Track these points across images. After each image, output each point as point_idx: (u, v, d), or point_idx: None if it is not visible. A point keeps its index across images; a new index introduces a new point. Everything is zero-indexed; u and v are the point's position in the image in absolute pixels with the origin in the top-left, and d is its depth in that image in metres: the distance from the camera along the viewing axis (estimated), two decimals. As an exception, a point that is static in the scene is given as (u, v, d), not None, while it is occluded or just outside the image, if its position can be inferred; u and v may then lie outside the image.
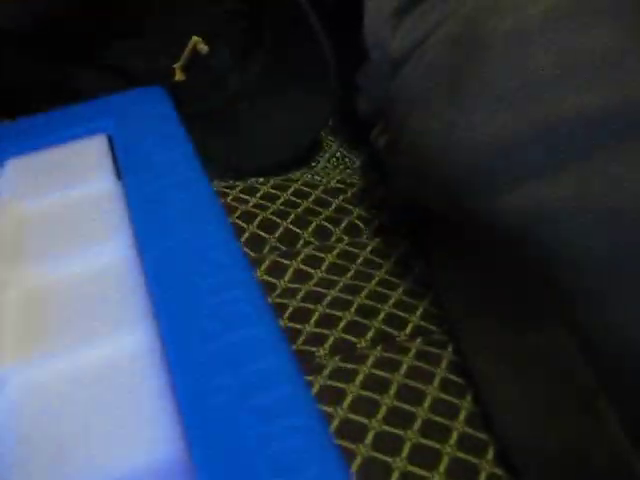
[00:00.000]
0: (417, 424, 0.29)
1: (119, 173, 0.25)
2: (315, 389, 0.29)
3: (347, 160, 0.48)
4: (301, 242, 0.39)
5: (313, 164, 0.47)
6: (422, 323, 0.34)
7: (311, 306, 0.35)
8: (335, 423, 0.28)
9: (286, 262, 0.37)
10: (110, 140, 0.26)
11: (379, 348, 0.32)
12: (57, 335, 0.17)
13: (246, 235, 0.39)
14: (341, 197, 0.43)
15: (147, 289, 0.19)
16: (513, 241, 0.29)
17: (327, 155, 0.47)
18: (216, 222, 0.21)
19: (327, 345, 0.32)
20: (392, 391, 0.29)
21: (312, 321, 0.34)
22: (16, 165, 0.26)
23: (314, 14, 0.45)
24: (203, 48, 0.51)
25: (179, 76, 0.50)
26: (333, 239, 0.40)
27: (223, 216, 0.22)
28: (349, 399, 0.29)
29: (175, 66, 0.50)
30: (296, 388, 0.16)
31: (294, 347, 0.32)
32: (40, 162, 0.26)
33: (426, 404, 0.29)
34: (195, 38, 0.50)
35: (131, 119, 0.27)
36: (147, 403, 0.16)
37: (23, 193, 0.24)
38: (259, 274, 0.36)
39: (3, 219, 0.23)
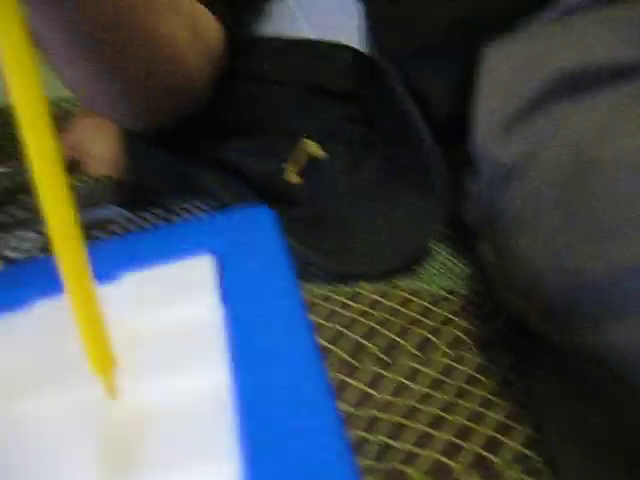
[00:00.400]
0: None
1: (222, 295, 0.26)
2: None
3: (456, 268, 0.48)
4: (404, 354, 0.39)
5: (421, 271, 0.47)
6: (521, 449, 0.33)
7: (408, 423, 0.34)
8: None
9: (386, 374, 0.37)
10: (217, 260, 0.28)
11: (475, 473, 0.31)
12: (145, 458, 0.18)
13: (348, 342, 0.40)
14: (446, 307, 0.43)
15: (235, 421, 0.20)
16: (617, 374, 0.28)
17: (434, 262, 0.48)
18: (307, 357, 0.22)
19: (420, 465, 0.32)
20: (484, 524, 0.28)
21: (408, 438, 0.33)
22: (128, 281, 0.28)
23: (425, 126, 0.46)
24: (318, 152, 0.53)
25: (294, 179, 0.53)
26: (436, 352, 0.39)
27: (314, 349, 0.22)
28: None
29: (290, 169, 0.53)
30: None
31: (387, 465, 0.32)
32: (150, 279, 0.28)
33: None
34: (311, 142, 0.53)
35: (238, 240, 0.28)
36: None
37: (132, 309, 0.26)
38: (357, 384, 0.37)
39: (118, 337, 0.24)
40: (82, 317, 0.17)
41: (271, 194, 0.52)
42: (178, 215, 0.54)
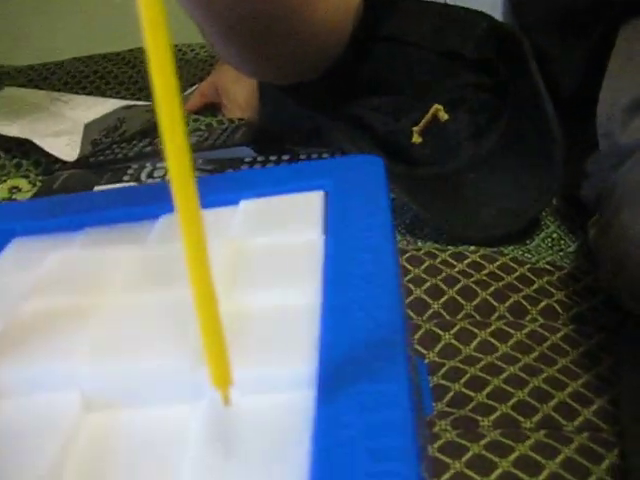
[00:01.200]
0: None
1: (326, 227, 0.29)
2: (467, 456, 0.31)
3: (562, 243, 0.48)
4: (495, 315, 0.41)
5: (528, 241, 0.48)
6: (593, 418, 0.34)
7: (488, 377, 0.36)
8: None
9: (475, 331, 0.39)
10: (326, 197, 0.30)
11: (542, 433, 0.33)
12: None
13: (444, 298, 0.42)
14: (546, 279, 0.44)
15: (319, 334, 0.23)
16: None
17: (543, 234, 0.48)
18: (390, 287, 0.24)
19: (492, 417, 0.34)
20: (542, 477, 0.30)
21: (485, 392, 0.35)
22: (246, 207, 0.31)
23: (550, 100, 0.47)
24: (443, 116, 0.54)
25: (416, 139, 0.54)
26: (527, 318, 0.41)
27: (397, 283, 0.25)
28: (497, 473, 0.30)
29: (414, 129, 0.54)
30: None
31: (461, 412, 0.34)
32: (266, 207, 0.31)
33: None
34: (437, 106, 0.54)
35: (348, 182, 0.31)
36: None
37: (246, 232, 0.29)
38: (447, 337, 0.39)
39: (228, 251, 0.28)
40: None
41: (394, 151, 0.55)
42: (303, 160, 0.57)
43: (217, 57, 0.81)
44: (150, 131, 0.69)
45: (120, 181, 0.56)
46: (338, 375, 0.21)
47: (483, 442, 0.32)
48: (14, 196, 0.63)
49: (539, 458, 0.31)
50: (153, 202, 0.32)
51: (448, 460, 0.31)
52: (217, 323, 0.19)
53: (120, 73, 0.88)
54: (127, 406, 0.21)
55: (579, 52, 0.47)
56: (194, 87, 0.79)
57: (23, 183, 0.66)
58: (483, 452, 0.32)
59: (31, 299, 0.25)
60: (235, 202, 0.30)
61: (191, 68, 0.90)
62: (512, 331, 0.39)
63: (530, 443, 0.32)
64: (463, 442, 0.32)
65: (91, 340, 0.22)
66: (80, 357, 0.21)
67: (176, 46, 1.02)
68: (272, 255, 0.27)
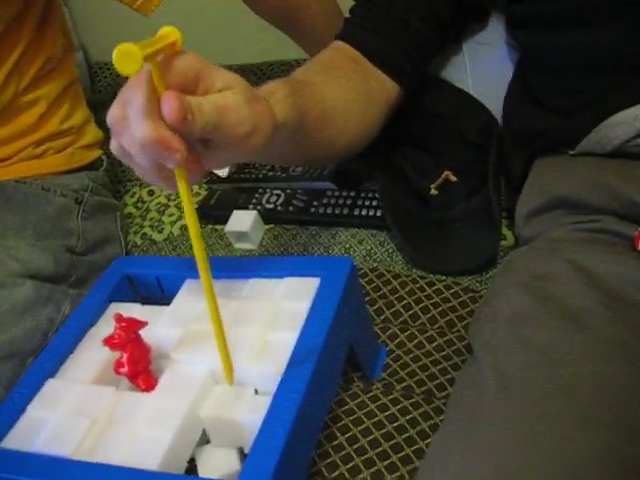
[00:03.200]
0: None
1: (313, 301, 0.61)
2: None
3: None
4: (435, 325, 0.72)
5: (483, 273, 0.77)
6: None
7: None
8: None
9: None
10: (320, 282, 0.61)
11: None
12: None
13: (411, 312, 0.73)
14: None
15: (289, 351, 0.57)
16: None
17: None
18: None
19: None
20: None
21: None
22: (289, 281, 0.63)
23: (496, 190, 0.75)
24: (452, 178, 0.84)
25: (433, 192, 0.84)
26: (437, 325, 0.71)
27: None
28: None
29: (432, 185, 0.84)
30: None
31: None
32: (274, 283, 0.62)
33: None
34: (447, 172, 0.83)
35: (331, 275, 0.61)
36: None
37: (253, 294, 0.62)
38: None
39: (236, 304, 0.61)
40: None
41: (418, 197, 0.85)
42: (363, 196, 0.88)
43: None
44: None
45: (249, 204, 0.90)
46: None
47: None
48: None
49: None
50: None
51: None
52: (224, 342, 0.53)
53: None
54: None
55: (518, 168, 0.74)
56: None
57: (194, 186, 1.01)
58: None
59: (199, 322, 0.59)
60: (282, 276, 0.63)
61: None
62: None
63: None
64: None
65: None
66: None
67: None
68: (270, 311, 0.59)
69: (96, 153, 0.94)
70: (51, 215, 0.82)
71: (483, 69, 0.86)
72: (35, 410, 0.56)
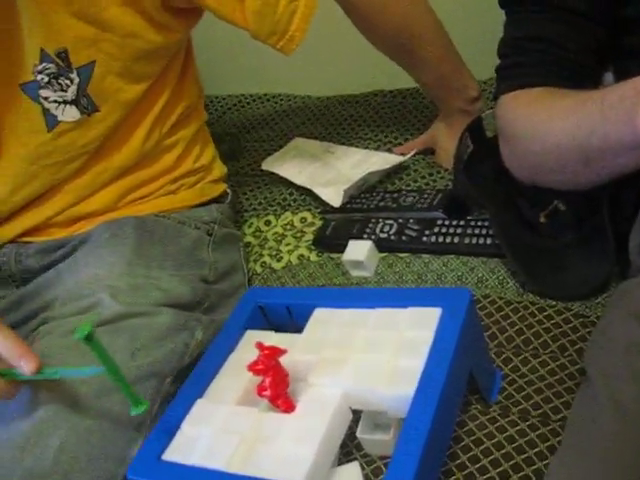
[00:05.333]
0: None
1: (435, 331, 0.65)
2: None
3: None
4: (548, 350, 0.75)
5: (594, 300, 0.80)
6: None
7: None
8: None
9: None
10: (440, 312, 0.66)
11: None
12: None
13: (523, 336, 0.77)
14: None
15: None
16: None
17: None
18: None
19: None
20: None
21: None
22: (410, 312, 0.68)
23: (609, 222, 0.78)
24: (561, 207, 0.87)
25: (543, 219, 0.87)
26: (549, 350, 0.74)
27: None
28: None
29: (542, 213, 0.87)
30: None
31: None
32: (396, 313, 0.68)
33: None
34: (556, 201, 0.87)
35: (451, 305, 0.66)
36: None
37: (408, 327, 0.67)
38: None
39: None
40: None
41: (529, 225, 0.88)
42: (472, 224, 0.92)
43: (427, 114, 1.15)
44: (382, 183, 1.07)
45: (364, 233, 0.96)
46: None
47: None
48: (304, 226, 1.06)
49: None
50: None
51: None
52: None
53: (368, 117, 1.26)
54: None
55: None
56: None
57: (309, 215, 1.08)
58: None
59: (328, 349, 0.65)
60: (405, 306, 0.68)
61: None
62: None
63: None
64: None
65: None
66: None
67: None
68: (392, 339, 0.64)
69: (222, 187, 1.03)
70: (187, 247, 0.90)
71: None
72: (189, 427, 0.63)
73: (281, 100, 1.42)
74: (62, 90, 0.81)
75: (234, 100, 1.46)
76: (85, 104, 0.83)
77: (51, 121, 0.83)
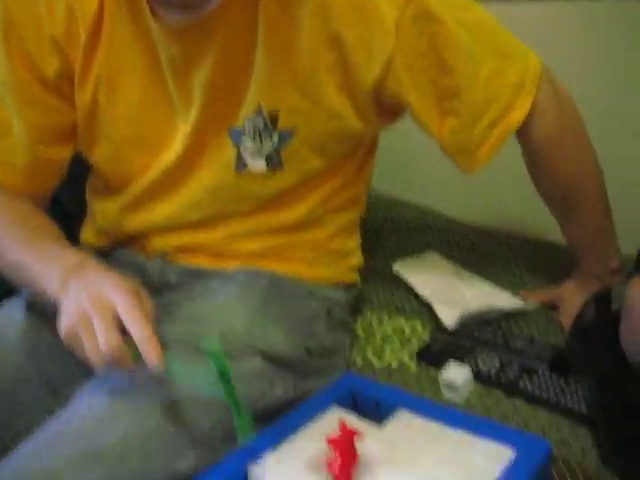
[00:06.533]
0: None
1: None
2: None
3: None
4: None
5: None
6: None
7: None
8: None
9: None
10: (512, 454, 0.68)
11: None
12: None
13: None
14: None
15: None
16: None
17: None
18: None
19: None
20: None
21: None
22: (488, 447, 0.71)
23: None
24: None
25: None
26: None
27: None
28: None
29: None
30: None
31: None
32: (471, 442, 0.70)
33: None
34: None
35: (526, 450, 0.68)
36: None
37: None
38: None
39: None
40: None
41: (632, 408, 0.88)
42: (572, 386, 0.93)
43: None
44: (497, 320, 1.10)
45: (465, 358, 1.00)
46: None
47: None
48: (412, 336, 1.10)
49: None
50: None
51: None
52: None
53: (503, 256, 1.30)
54: None
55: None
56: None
57: (419, 327, 1.12)
58: None
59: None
60: (480, 436, 0.71)
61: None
62: None
63: None
64: None
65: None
66: None
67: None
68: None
69: (355, 276, 1.10)
70: (305, 316, 0.97)
71: None
72: (255, 472, 0.69)
73: (427, 214, 1.49)
74: (260, 144, 0.92)
75: (385, 200, 1.55)
76: (274, 162, 0.93)
77: (240, 166, 0.94)
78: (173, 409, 0.78)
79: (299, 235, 1.01)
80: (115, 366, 0.75)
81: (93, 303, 0.76)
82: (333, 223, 1.03)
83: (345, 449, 0.66)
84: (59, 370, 0.93)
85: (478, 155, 0.97)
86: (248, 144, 0.92)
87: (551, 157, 1.03)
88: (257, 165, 0.94)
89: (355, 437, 0.66)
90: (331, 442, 0.66)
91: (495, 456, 0.68)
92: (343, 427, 0.67)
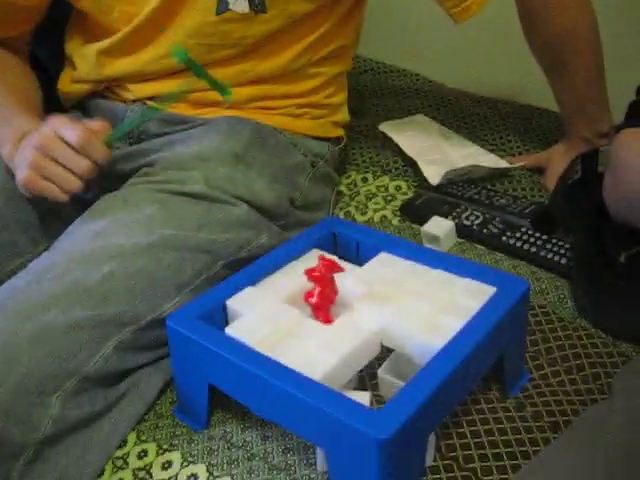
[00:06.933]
0: None
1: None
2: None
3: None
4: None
5: (645, 348, 0.81)
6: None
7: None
8: None
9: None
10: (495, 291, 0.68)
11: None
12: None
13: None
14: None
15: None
16: None
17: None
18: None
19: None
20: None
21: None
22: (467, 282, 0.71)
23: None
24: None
25: (622, 259, 0.88)
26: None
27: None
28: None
29: (623, 253, 0.88)
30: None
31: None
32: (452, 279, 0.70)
33: None
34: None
35: (506, 288, 0.69)
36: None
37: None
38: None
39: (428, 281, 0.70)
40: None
41: (608, 259, 0.89)
42: (553, 241, 0.93)
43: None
44: (483, 181, 1.10)
45: (449, 214, 0.99)
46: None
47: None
48: (397, 193, 1.09)
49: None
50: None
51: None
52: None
53: (492, 121, 1.28)
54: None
55: None
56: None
57: (404, 185, 1.12)
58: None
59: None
60: (464, 276, 0.71)
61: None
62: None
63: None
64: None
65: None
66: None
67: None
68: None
69: (340, 132, 1.08)
70: (289, 167, 0.95)
71: None
72: (233, 304, 0.68)
73: (417, 79, 1.45)
74: None
75: (374, 65, 1.51)
76: (257, 2, 0.90)
77: (222, 6, 0.90)
78: (157, 255, 0.77)
79: (283, 86, 0.98)
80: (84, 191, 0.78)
81: (42, 144, 0.80)
82: (318, 75, 1.01)
83: (324, 280, 0.66)
84: (37, 220, 0.92)
85: (469, 2, 0.94)
86: None
87: (547, 11, 0.99)
88: (239, 6, 0.90)
89: (334, 268, 0.66)
90: (309, 273, 0.66)
91: (475, 292, 0.68)
92: (322, 259, 0.66)
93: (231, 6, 0.90)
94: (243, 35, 0.92)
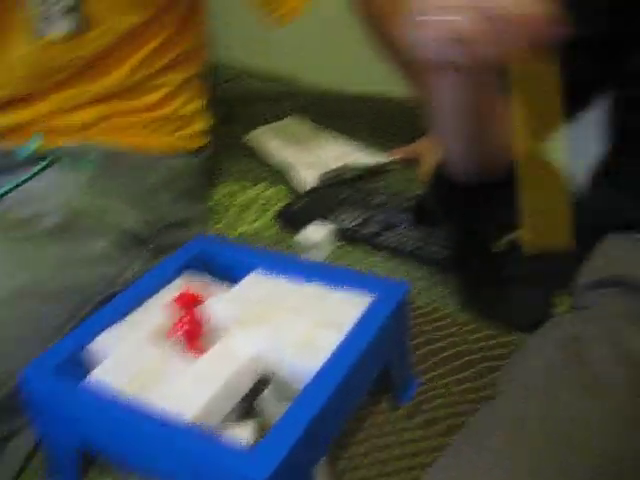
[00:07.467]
0: None
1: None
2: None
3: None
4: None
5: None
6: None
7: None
8: None
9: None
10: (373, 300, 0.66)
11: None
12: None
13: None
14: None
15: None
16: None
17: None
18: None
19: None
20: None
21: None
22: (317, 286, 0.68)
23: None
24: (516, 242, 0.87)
25: (499, 247, 0.87)
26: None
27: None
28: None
29: (497, 243, 0.87)
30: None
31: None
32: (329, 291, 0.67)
33: None
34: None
35: (385, 294, 0.66)
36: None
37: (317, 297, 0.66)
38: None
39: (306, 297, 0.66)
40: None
41: (485, 248, 0.88)
42: (434, 235, 0.92)
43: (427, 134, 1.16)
44: (360, 179, 1.08)
45: (328, 218, 0.96)
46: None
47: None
48: (273, 201, 1.05)
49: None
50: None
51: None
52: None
53: (363, 117, 1.26)
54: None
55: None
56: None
57: (279, 192, 1.08)
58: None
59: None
60: (340, 286, 0.68)
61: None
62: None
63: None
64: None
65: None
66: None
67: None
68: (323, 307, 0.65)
69: (201, 141, 1.03)
70: (150, 186, 0.90)
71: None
72: (93, 347, 0.62)
73: (286, 82, 1.42)
74: (52, 3, 0.84)
75: (239, 71, 1.47)
76: (78, 22, 0.85)
77: (40, 31, 0.85)
78: (14, 307, 0.71)
79: (126, 102, 0.93)
80: None
81: None
82: (163, 86, 0.96)
83: (188, 312, 0.61)
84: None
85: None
86: (38, 9, 0.84)
87: None
88: (58, 26, 0.85)
89: (199, 298, 0.61)
90: (173, 305, 0.61)
91: (353, 302, 0.65)
92: (185, 290, 0.62)
93: (50, 31, 0.85)
94: (73, 57, 0.88)
